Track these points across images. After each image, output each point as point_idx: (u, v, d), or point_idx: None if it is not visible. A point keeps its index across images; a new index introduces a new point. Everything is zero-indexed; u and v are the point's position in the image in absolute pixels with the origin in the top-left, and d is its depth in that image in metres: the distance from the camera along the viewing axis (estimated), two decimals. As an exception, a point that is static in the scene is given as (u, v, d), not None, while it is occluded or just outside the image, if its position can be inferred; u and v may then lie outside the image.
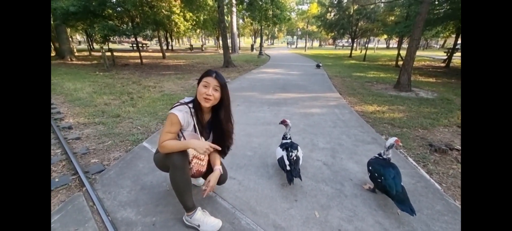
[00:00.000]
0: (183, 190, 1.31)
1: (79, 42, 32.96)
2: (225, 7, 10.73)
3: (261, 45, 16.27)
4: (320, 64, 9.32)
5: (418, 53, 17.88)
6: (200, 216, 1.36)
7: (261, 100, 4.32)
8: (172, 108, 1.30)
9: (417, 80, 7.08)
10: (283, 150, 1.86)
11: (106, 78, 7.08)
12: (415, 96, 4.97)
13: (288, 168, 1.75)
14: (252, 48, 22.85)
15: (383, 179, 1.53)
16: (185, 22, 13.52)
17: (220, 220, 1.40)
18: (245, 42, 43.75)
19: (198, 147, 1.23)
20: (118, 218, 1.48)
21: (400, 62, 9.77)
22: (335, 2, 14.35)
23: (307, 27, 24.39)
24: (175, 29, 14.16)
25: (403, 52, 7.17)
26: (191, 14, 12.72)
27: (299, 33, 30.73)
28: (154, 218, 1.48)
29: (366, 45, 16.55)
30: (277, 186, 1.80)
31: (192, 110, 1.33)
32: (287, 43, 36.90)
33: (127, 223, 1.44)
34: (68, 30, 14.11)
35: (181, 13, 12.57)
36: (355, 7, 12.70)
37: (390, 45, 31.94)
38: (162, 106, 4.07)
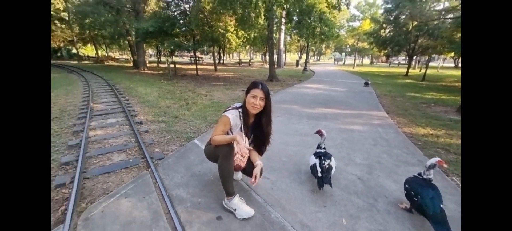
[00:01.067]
0: (227, 176, 1.57)
1: (150, 55, 39.25)
2: (275, 25, 11.37)
3: (306, 61, 16.33)
4: (369, 82, 8.80)
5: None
6: (237, 201, 1.60)
7: (301, 113, 4.43)
8: (225, 111, 1.62)
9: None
10: (316, 158, 1.96)
11: (169, 86, 8.34)
12: (485, 123, 4.25)
13: (319, 174, 1.85)
14: (297, 63, 23.06)
15: (419, 197, 1.49)
16: (237, 39, 14.81)
17: (253, 210, 1.60)
18: (290, 58, 44.35)
19: (237, 142, 1.45)
20: (173, 194, 1.85)
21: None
22: (391, 19, 13.41)
23: (357, 43, 23.24)
24: (227, 45, 15.64)
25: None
26: (243, 32, 13.89)
27: (348, 49, 29.43)
28: (200, 199, 1.79)
29: (427, 63, 14.70)
30: (307, 191, 1.90)
31: (241, 114, 1.62)
32: (334, 60, 35.65)
33: (179, 199, 1.79)
34: (144, 45, 17.13)
35: (235, 31, 13.87)
36: (415, 23, 11.60)
37: (460, 64, 27.42)
38: (211, 112, 4.61)
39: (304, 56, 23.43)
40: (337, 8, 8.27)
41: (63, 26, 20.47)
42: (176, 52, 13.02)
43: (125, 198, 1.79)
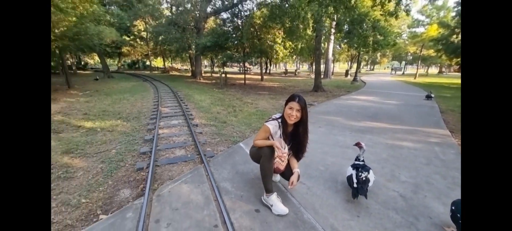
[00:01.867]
0: (267, 174, 1.82)
1: (205, 66, 43.67)
2: (323, 35, 11.26)
3: (356, 71, 15.39)
4: (432, 95, 7.73)
5: None
6: (274, 198, 1.82)
7: (344, 125, 4.33)
8: (266, 121, 1.87)
9: None
10: (353, 169, 2.01)
11: (219, 94, 9.25)
12: None
13: (355, 185, 1.90)
14: (346, 73, 21.85)
15: (465, 221, 1.40)
16: (284, 50, 15.25)
17: (288, 209, 1.79)
18: (340, 67, 42.16)
19: (277, 147, 1.74)
20: (221, 186, 2.20)
21: None
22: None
23: (421, 51, 20.39)
24: (274, 56, 16.22)
25: None
26: (290, 43, 14.24)
27: (410, 57, 26.10)
28: (242, 193, 2.08)
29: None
30: (342, 200, 1.97)
31: (280, 124, 1.86)
32: (392, 69, 32.03)
33: (225, 191, 2.12)
34: (201, 57, 19.35)
35: (282, 43, 14.35)
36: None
37: None
38: (255, 119, 4.98)
39: (355, 65, 22.03)
40: (394, 16, 7.66)
41: (142, 43, 25.07)
42: (227, 63, 14.44)
43: (185, 184, 2.23)
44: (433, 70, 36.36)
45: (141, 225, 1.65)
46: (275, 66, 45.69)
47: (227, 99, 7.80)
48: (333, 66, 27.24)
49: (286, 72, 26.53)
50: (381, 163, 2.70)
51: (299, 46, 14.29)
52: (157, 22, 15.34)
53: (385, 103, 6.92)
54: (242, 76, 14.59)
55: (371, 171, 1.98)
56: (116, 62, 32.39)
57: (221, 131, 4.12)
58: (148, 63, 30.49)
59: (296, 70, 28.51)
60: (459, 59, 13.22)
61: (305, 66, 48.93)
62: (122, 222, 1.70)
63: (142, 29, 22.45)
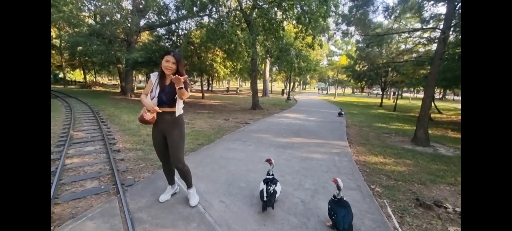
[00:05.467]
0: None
1: (140, 82, 39.62)
2: (259, 58, 12.35)
3: (289, 91, 17.34)
4: (342, 113, 9.55)
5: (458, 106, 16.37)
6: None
7: (271, 142, 4.83)
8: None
9: (446, 136, 6.70)
10: (264, 184, 2.31)
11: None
12: (432, 152, 4.84)
13: (265, 198, 2.18)
14: (282, 92, 24.23)
15: (336, 216, 1.86)
16: (225, 69, 15.70)
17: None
18: (278, 86, 46.29)
19: (148, 105, 1.96)
20: (135, 217, 2.10)
21: (437, 115, 9.39)
22: (363, 56, 15.00)
23: (337, 75, 25.19)
24: (215, 75, 16.46)
25: (440, 104, 6.97)
26: (230, 62, 14.84)
27: (330, 80, 31.76)
28: (158, 220, 2.05)
29: (397, 95, 16.16)
30: (254, 212, 2.22)
31: (158, 75, 2.04)
32: (318, 89, 37.92)
33: (140, 221, 2.04)
34: (134, 73, 17.60)
35: (222, 62, 14.77)
36: (384, 61, 13.09)
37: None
38: (189, 140, 4.89)
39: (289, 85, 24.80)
40: (311, 47, 9.29)
41: (53, 52, 20.82)
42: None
43: (90, 221, 2.02)
44: (349, 90, 45.06)
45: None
46: (219, 84, 45.98)
47: (161, 120, 7.35)
48: (271, 85, 29.66)
49: (228, 90, 27.16)
50: (293, 174, 3.16)
51: (239, 67, 15.07)
52: (75, 30, 13.21)
53: (308, 120, 8.06)
54: (181, 94, 14.06)
55: (278, 184, 2.32)
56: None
57: (148, 155, 3.87)
58: (61, 75, 25.32)
59: (237, 88, 29.60)
60: (361, 83, 16.96)
61: (247, 84, 51.25)
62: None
63: (54, 36, 18.80)
